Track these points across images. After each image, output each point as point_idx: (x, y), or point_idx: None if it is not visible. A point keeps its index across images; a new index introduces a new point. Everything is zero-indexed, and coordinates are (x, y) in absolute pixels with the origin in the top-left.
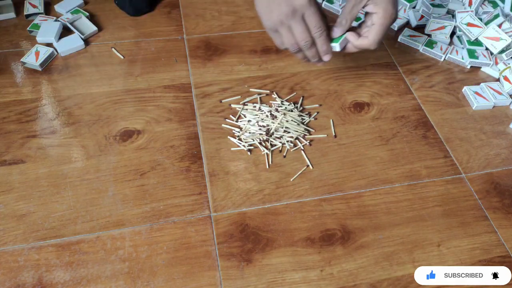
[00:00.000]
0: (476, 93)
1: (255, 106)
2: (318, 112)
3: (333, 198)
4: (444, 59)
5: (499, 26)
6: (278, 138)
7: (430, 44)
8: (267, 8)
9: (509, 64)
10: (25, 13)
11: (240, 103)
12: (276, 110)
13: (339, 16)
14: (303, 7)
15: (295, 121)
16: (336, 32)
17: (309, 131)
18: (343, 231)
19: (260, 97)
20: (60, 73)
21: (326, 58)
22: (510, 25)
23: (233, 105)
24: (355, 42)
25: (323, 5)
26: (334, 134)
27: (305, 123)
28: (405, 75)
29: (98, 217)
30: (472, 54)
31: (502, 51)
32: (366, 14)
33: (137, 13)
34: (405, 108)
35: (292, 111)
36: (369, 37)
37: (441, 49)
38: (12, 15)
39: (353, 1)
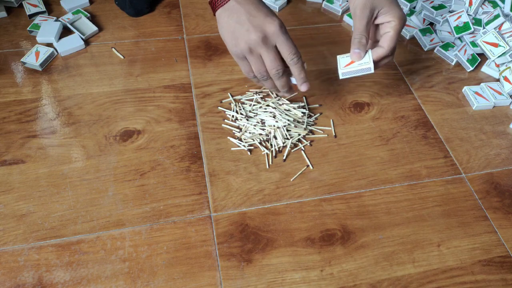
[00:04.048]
0: (476, 93)
1: (255, 105)
2: (321, 113)
3: (333, 198)
4: (455, 63)
5: (499, 27)
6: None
7: (446, 47)
8: (233, 34)
9: (509, 65)
10: (27, 14)
11: (241, 99)
12: (279, 115)
13: (353, 37)
14: (275, 34)
15: (299, 123)
16: (359, 54)
17: (312, 132)
18: (343, 231)
19: (260, 96)
20: (60, 73)
21: (304, 87)
22: (511, 26)
23: (232, 102)
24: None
25: (323, 5)
26: (334, 134)
27: (308, 125)
28: (405, 75)
29: (98, 217)
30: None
31: (500, 57)
32: (375, 27)
33: (138, 14)
34: (405, 108)
35: (294, 109)
36: (385, 46)
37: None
38: (3, 14)
39: (366, 17)
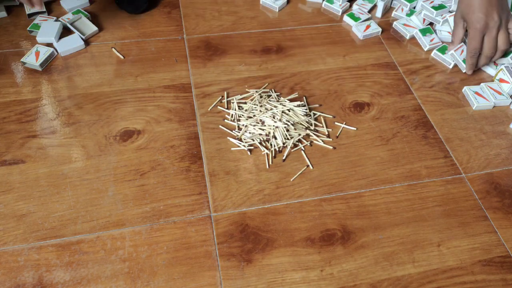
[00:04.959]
0: (476, 93)
1: (255, 106)
2: (334, 116)
3: (333, 198)
4: (453, 66)
5: None
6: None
7: (443, 50)
8: (486, 9)
9: (500, 67)
10: (27, 13)
11: (236, 99)
12: (281, 115)
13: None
14: (496, 23)
15: (301, 124)
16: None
17: (316, 134)
18: (343, 231)
19: (260, 95)
20: (60, 73)
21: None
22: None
23: (234, 101)
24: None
25: (323, 5)
26: (328, 134)
27: (310, 125)
28: (405, 75)
29: (98, 217)
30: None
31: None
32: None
33: (136, 10)
34: (405, 108)
35: (292, 110)
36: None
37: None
38: (3, 14)
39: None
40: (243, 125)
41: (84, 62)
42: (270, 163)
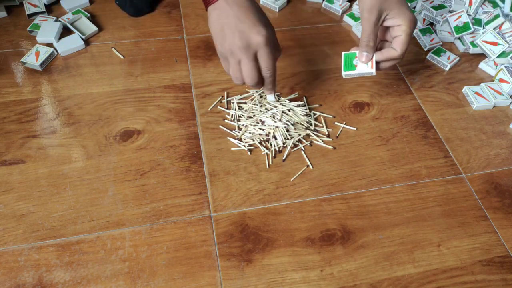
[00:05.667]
0: (476, 93)
1: (255, 106)
2: (334, 116)
3: (333, 198)
4: (450, 68)
5: (500, 26)
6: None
7: (438, 52)
8: (221, 32)
9: (500, 67)
10: (27, 13)
11: (236, 99)
12: (282, 114)
13: (361, 39)
14: (258, 46)
15: (301, 124)
16: (367, 57)
17: (316, 134)
18: (343, 231)
19: (260, 95)
20: (60, 73)
21: (269, 97)
22: (511, 25)
23: (235, 101)
24: (382, 56)
25: (323, 5)
26: (328, 134)
27: (310, 125)
28: (405, 75)
29: (98, 217)
30: None
31: (500, 55)
32: (386, 27)
33: (138, 14)
34: (405, 108)
35: (292, 110)
36: (397, 49)
37: (448, 58)
38: (3, 14)
39: (373, 20)
40: (243, 125)
41: (84, 62)
42: (270, 163)
